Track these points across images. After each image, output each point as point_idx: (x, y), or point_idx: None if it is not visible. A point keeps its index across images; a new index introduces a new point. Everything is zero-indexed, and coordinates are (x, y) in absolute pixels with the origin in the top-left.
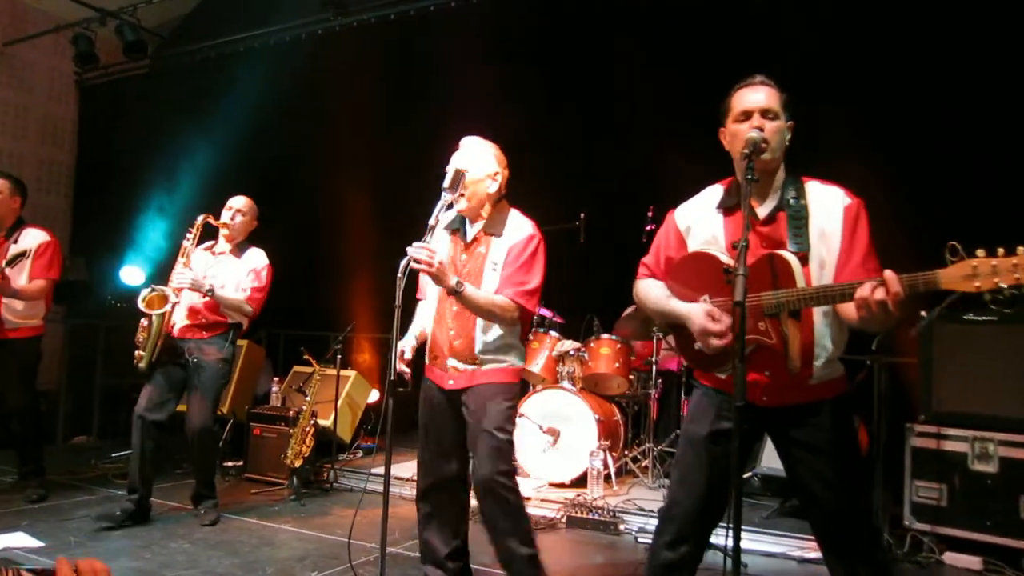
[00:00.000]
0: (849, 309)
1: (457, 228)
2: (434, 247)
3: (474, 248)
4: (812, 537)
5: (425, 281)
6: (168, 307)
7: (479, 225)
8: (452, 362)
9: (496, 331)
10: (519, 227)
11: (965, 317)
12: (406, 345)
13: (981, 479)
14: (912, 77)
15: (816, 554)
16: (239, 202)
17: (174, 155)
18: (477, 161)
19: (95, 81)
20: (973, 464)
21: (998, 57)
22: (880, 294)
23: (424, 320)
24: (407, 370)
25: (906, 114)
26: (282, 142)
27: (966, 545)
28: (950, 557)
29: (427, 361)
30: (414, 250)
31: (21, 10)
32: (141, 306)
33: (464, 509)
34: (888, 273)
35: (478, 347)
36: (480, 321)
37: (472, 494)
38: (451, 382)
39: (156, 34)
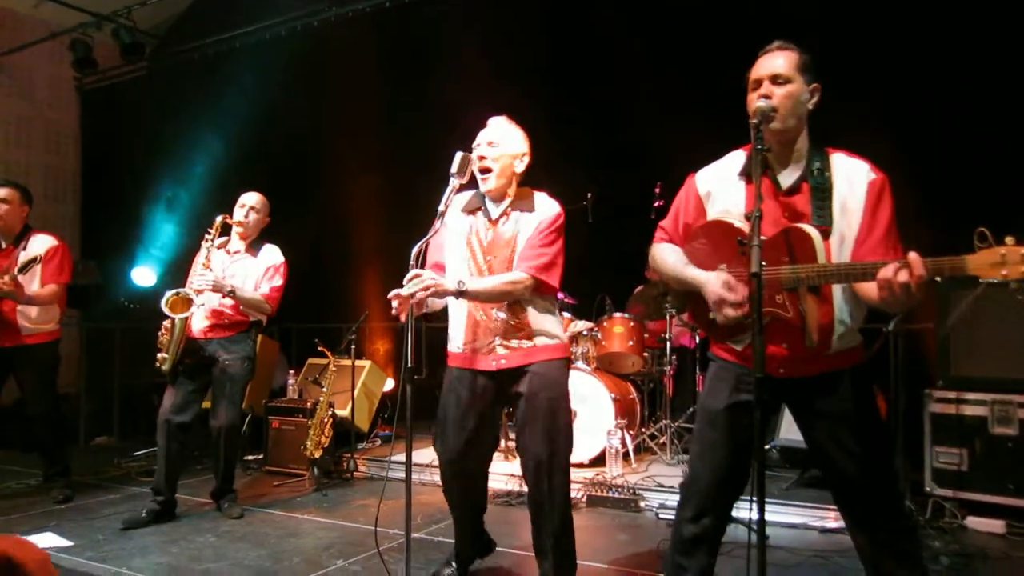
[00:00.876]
0: (869, 288)
1: (477, 207)
2: (447, 230)
3: (501, 223)
4: (832, 507)
5: (449, 254)
6: (192, 311)
7: (506, 203)
8: (499, 342)
9: (539, 306)
10: (550, 204)
11: (981, 280)
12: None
13: (1002, 442)
14: (934, 56)
15: (837, 524)
16: (252, 199)
17: (178, 154)
18: (509, 139)
19: (95, 86)
20: (993, 428)
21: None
22: (904, 276)
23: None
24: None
25: (927, 94)
26: (286, 135)
27: (988, 509)
28: (972, 521)
29: (458, 348)
30: (407, 289)
31: (17, 19)
32: (164, 309)
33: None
34: (912, 255)
35: (527, 323)
36: (521, 297)
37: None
38: (503, 362)
39: (152, 35)
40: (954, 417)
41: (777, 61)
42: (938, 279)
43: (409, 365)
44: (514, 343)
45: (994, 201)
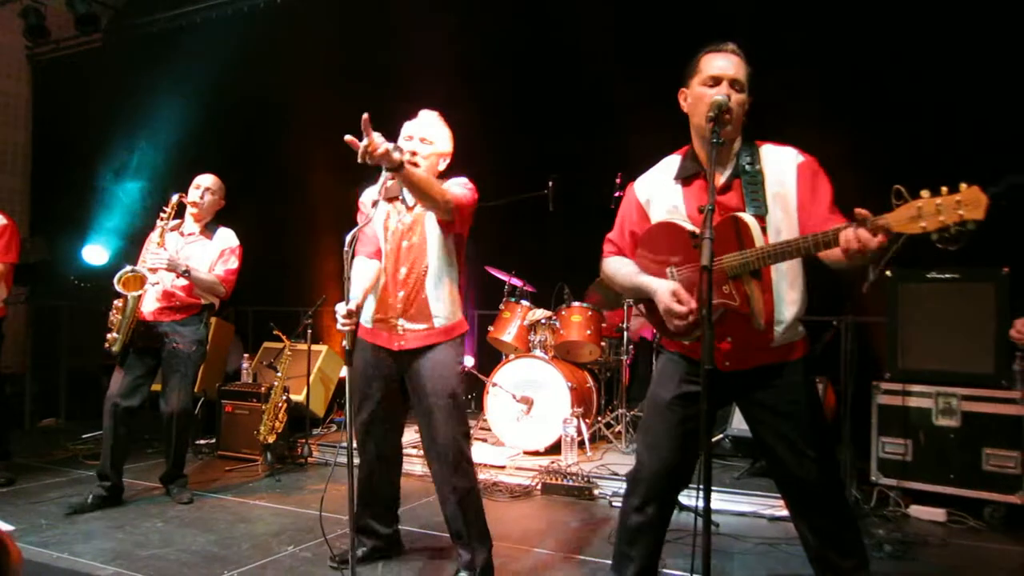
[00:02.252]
0: (831, 253)
1: (395, 196)
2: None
3: (415, 210)
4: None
5: (367, 239)
6: (145, 288)
7: None
8: (403, 322)
9: (445, 288)
10: (461, 179)
11: (928, 276)
12: (352, 304)
13: (944, 433)
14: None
15: (785, 512)
16: (207, 180)
17: (133, 130)
18: (440, 138)
19: (48, 56)
20: (937, 419)
21: None
22: (864, 235)
23: (362, 279)
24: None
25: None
26: (244, 113)
27: (931, 498)
28: (915, 510)
29: (368, 323)
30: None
31: None
32: (117, 286)
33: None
34: (860, 210)
35: (432, 306)
36: (431, 279)
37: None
38: (402, 343)
39: (108, 5)
40: (900, 409)
41: (733, 63)
42: (888, 273)
43: (348, 347)
44: (412, 325)
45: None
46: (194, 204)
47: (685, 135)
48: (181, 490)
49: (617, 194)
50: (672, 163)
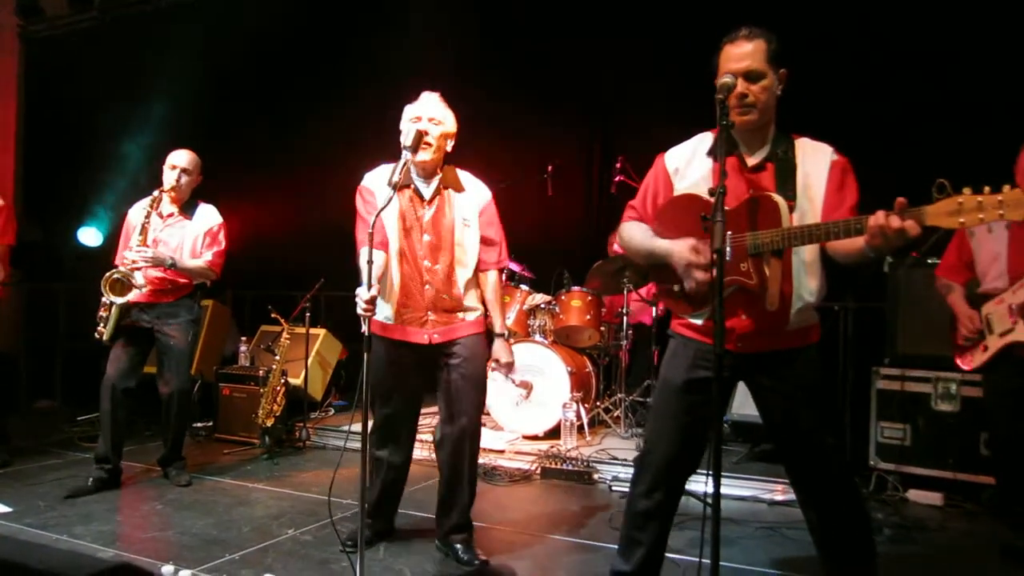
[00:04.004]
0: (846, 244)
1: (407, 184)
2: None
3: (435, 203)
4: (781, 480)
5: (388, 229)
6: (129, 296)
7: (436, 181)
8: (432, 316)
9: (474, 280)
10: (478, 185)
11: (929, 261)
12: (374, 290)
13: (943, 418)
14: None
15: (785, 496)
16: (182, 159)
17: (127, 109)
18: (448, 119)
19: (41, 34)
20: (936, 404)
21: None
22: (896, 221)
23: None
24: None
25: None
26: (240, 94)
27: (929, 482)
28: (913, 494)
29: (390, 319)
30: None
31: None
32: (105, 291)
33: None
34: (899, 198)
35: (464, 299)
36: (459, 270)
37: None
38: (436, 336)
39: None
40: (899, 394)
41: (746, 51)
42: (889, 259)
43: (367, 333)
44: (442, 317)
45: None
46: (171, 189)
47: (687, 122)
48: (179, 473)
49: (617, 178)
50: (706, 139)
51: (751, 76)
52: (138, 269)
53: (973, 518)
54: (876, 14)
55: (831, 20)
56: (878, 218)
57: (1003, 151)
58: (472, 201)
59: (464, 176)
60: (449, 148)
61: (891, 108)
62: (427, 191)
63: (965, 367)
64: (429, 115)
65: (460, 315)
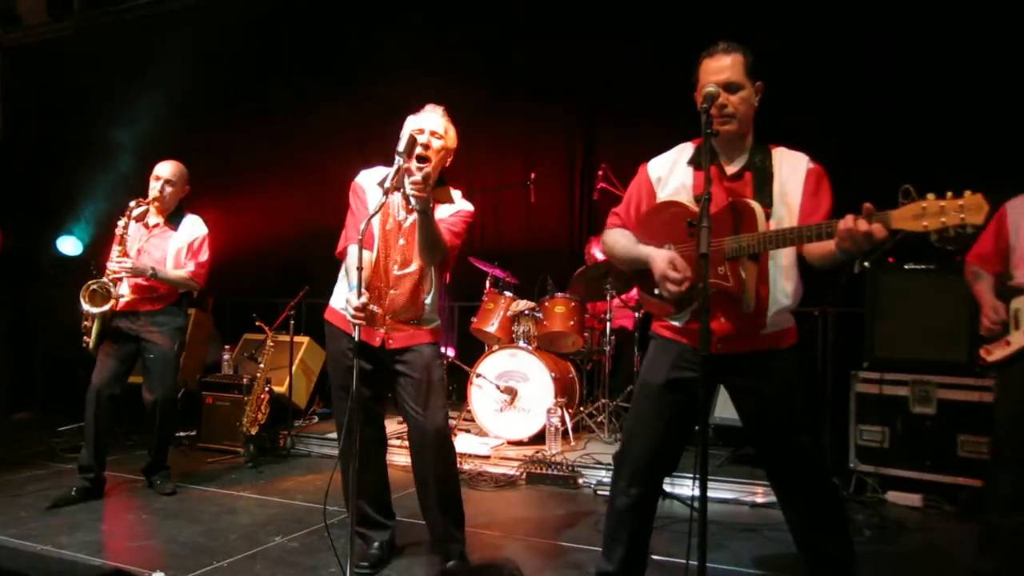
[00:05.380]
0: (820, 247)
1: (397, 188)
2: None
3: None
4: (762, 483)
5: (357, 225)
6: (110, 305)
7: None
8: (391, 318)
9: (434, 291)
10: (462, 203)
11: (906, 267)
12: (364, 297)
13: (921, 421)
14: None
15: (765, 499)
16: (167, 171)
17: (106, 118)
18: (449, 135)
19: (18, 42)
20: (914, 407)
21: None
22: (863, 225)
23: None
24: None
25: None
26: (222, 100)
27: (907, 484)
28: (892, 496)
29: (349, 316)
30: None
31: None
32: (83, 302)
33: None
34: (866, 204)
35: (422, 307)
36: (425, 280)
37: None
38: (391, 341)
39: None
40: (877, 397)
41: (725, 64)
42: (866, 264)
43: (358, 339)
44: (400, 324)
45: (922, 171)
46: (155, 200)
47: (670, 128)
48: (164, 482)
49: (600, 185)
50: (687, 149)
51: (730, 87)
52: (119, 280)
53: (951, 519)
54: (851, 20)
55: (808, 26)
56: (847, 222)
57: (969, 156)
58: (449, 211)
59: (455, 194)
60: (446, 164)
61: (869, 118)
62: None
63: (986, 359)
64: (431, 128)
65: (417, 323)
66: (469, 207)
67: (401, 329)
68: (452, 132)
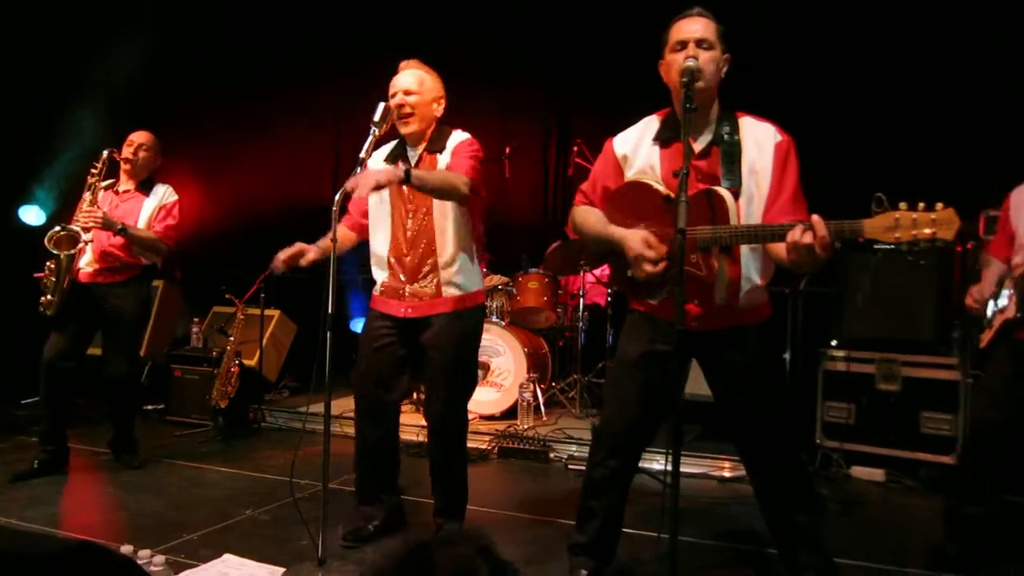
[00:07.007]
0: (779, 249)
1: (398, 155)
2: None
3: (420, 167)
4: (730, 458)
5: (372, 210)
6: (78, 248)
7: (422, 148)
8: (411, 290)
9: (459, 254)
10: (461, 135)
11: (876, 246)
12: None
13: (886, 398)
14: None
15: (733, 473)
16: (141, 137)
17: (74, 83)
18: (426, 85)
19: None
20: (879, 384)
21: None
22: (808, 238)
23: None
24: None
25: (830, 60)
26: (192, 70)
27: (871, 459)
28: (856, 471)
29: (377, 291)
30: (354, 182)
31: None
32: (48, 246)
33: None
34: (816, 218)
35: (441, 273)
36: (442, 244)
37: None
38: (409, 310)
39: None
40: (844, 374)
41: (699, 24)
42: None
43: (330, 311)
44: (420, 293)
45: (895, 167)
46: (126, 160)
47: (644, 101)
48: (131, 455)
49: (576, 160)
50: (652, 124)
51: (702, 44)
52: (88, 230)
53: (912, 493)
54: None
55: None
56: (794, 233)
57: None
58: (448, 152)
59: (452, 134)
60: (438, 113)
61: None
62: (413, 158)
63: (981, 347)
64: (403, 87)
65: (435, 293)
66: (464, 136)
67: (420, 296)
68: (430, 81)
